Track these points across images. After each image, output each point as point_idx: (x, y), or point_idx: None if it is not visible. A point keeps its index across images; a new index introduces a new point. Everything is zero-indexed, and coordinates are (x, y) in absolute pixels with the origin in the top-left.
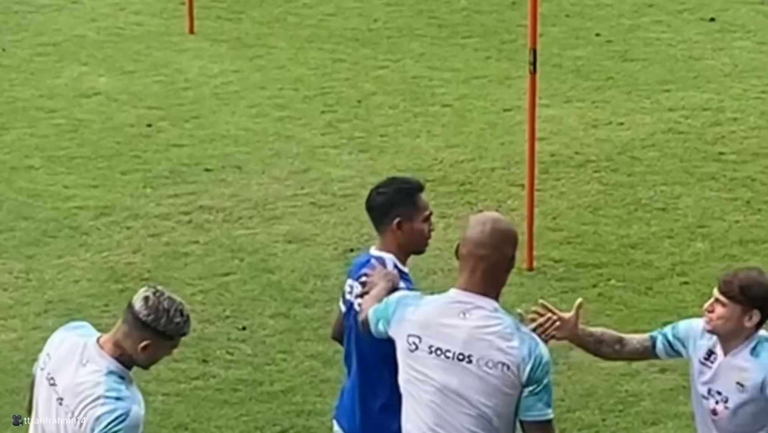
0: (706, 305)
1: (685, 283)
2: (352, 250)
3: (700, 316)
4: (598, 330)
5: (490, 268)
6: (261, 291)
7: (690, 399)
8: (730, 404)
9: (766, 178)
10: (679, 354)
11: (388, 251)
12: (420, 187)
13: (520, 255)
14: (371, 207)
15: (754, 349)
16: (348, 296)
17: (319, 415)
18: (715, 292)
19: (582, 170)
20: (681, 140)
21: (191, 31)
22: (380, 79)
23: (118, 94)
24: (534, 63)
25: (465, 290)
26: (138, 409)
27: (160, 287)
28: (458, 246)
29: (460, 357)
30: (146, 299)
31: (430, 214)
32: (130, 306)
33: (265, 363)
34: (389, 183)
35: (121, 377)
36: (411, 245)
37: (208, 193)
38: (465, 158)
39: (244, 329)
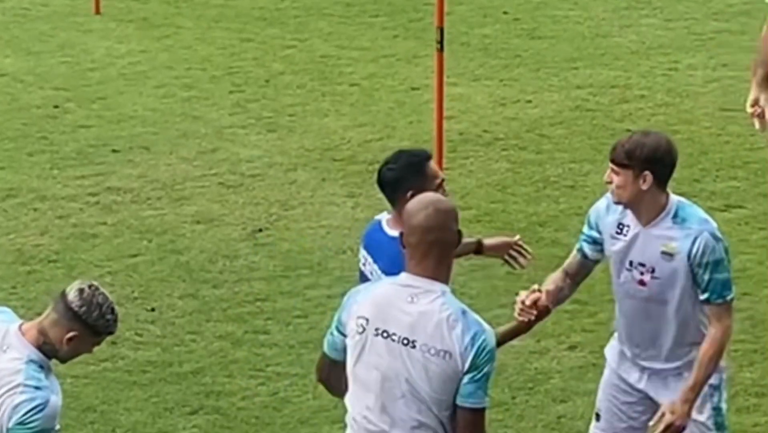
0: (605, 177)
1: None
2: (260, 230)
3: (609, 292)
4: (552, 286)
5: (442, 249)
6: (170, 272)
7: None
8: (658, 274)
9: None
10: (602, 244)
11: (402, 227)
12: (428, 157)
13: None
14: (383, 184)
15: (675, 216)
16: (362, 267)
17: (228, 396)
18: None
19: (490, 148)
20: (589, 118)
21: (97, 12)
22: (288, 59)
23: (24, 75)
24: (441, 41)
25: (416, 274)
26: (56, 399)
27: (95, 283)
28: (402, 236)
29: (405, 342)
30: (81, 291)
31: (442, 181)
32: (64, 295)
33: (174, 344)
34: (397, 158)
35: (41, 367)
36: None
37: (115, 175)
38: (373, 137)
39: (152, 310)
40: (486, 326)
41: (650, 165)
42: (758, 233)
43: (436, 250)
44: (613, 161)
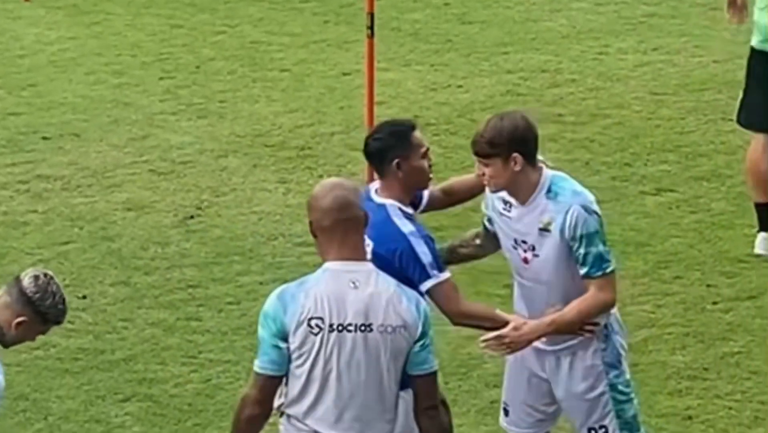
0: (476, 171)
1: None
2: (192, 216)
3: None
4: (464, 248)
5: (357, 227)
6: (101, 259)
7: None
8: (538, 251)
9: (605, 139)
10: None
11: (390, 197)
12: (413, 126)
13: None
14: (369, 154)
15: (549, 191)
16: None
17: (160, 383)
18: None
19: (423, 133)
20: (520, 102)
21: None
22: (218, 45)
23: None
24: (372, 27)
25: (345, 259)
26: (1, 379)
27: (50, 272)
28: (312, 225)
29: (362, 328)
30: (36, 277)
31: (427, 149)
32: (18, 280)
33: (105, 331)
34: (382, 128)
35: None
36: (414, 183)
37: (46, 162)
38: (304, 123)
39: (84, 297)
40: (416, 293)
41: (516, 146)
42: (689, 217)
43: (353, 229)
44: (477, 154)
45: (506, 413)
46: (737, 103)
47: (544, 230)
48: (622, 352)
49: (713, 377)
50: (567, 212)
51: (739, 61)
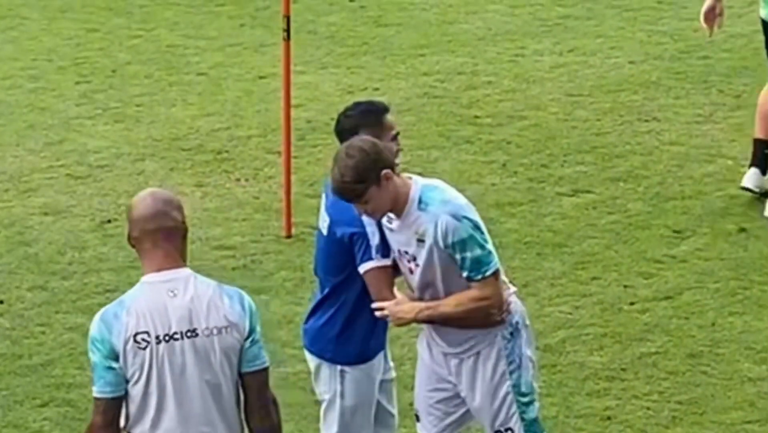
0: (358, 212)
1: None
2: (109, 221)
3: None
4: None
5: (169, 237)
6: (18, 264)
7: None
8: (419, 261)
9: (521, 141)
10: None
11: None
12: (386, 109)
13: (279, 223)
14: (341, 130)
15: (420, 201)
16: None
17: (79, 387)
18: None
19: None
20: (437, 104)
21: None
22: (134, 49)
23: None
24: (288, 30)
25: (160, 270)
26: None
27: None
28: (130, 236)
29: (188, 334)
30: None
31: (398, 133)
32: None
33: (23, 336)
34: (355, 106)
35: None
36: None
37: None
38: (221, 126)
39: (1, 302)
40: (241, 290)
41: (380, 165)
42: (606, 218)
43: (163, 238)
44: (352, 199)
45: (417, 418)
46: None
47: (420, 240)
48: (527, 353)
49: (631, 378)
50: (437, 223)
51: (654, 62)
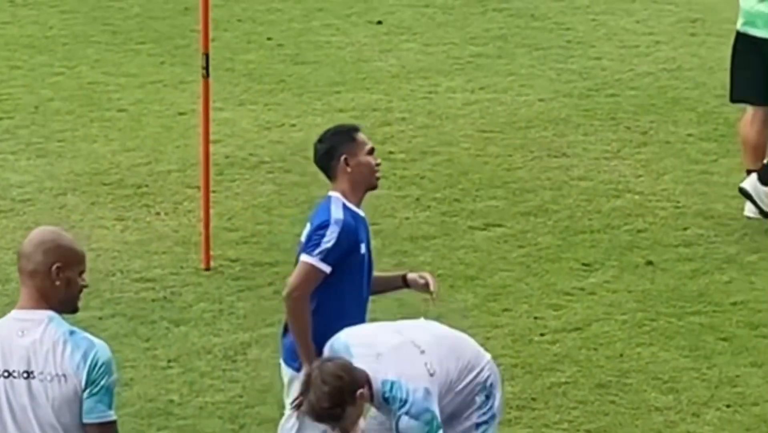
0: None
1: None
2: None
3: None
4: None
5: (32, 278)
6: None
7: None
8: None
9: (434, 176)
10: None
11: (339, 190)
12: (356, 128)
13: (198, 256)
14: (318, 158)
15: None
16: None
17: None
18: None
19: (256, 171)
20: None
21: None
22: (57, 86)
23: None
24: (207, 67)
25: (21, 308)
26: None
27: None
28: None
29: (25, 375)
30: None
31: (373, 148)
32: None
33: None
34: (326, 132)
35: None
36: (363, 179)
37: None
38: (141, 162)
39: None
40: (97, 341)
41: (351, 394)
42: (517, 251)
43: (26, 278)
44: (331, 424)
45: None
46: (728, 85)
47: None
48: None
49: (541, 407)
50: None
51: (563, 100)
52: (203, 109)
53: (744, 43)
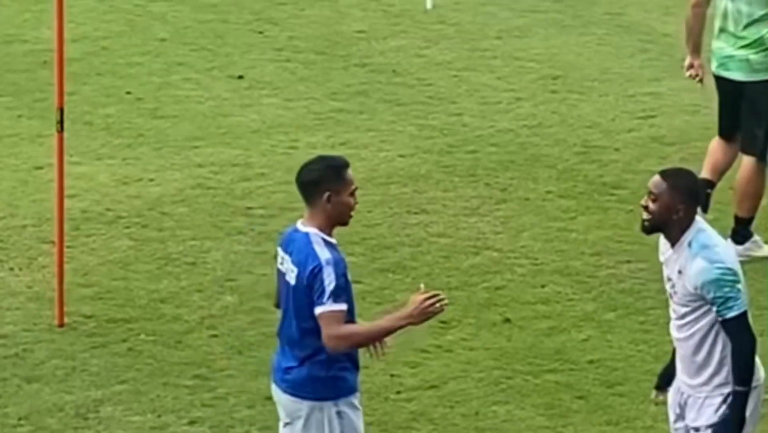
0: None
1: (214, 336)
2: None
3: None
4: None
5: None
6: None
7: None
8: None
9: None
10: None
11: (314, 225)
12: (347, 164)
13: (51, 312)
14: (303, 183)
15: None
16: (280, 266)
17: None
18: None
19: (113, 226)
20: (210, 195)
21: None
22: None
23: None
24: (61, 122)
25: None
26: None
27: None
28: None
29: None
30: None
31: (356, 188)
32: None
33: None
34: (319, 160)
35: None
36: (338, 217)
37: None
38: None
39: None
40: None
41: None
42: (375, 308)
43: None
44: None
45: None
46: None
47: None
48: None
49: None
50: None
51: (423, 156)
52: (58, 163)
53: (718, 84)
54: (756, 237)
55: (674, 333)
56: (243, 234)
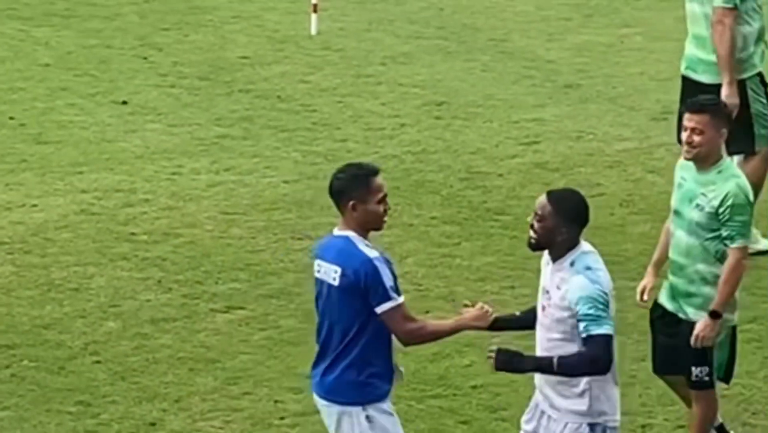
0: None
1: (98, 362)
2: None
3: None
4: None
5: None
6: None
7: None
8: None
9: (177, 258)
10: None
11: (350, 229)
12: (375, 171)
13: None
14: (331, 192)
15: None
16: (317, 275)
17: None
18: None
19: None
20: (94, 221)
21: None
22: None
23: None
24: None
25: None
26: None
27: None
28: None
29: None
30: None
31: (385, 195)
32: None
33: None
34: (346, 168)
35: None
36: (367, 224)
37: None
38: None
39: None
40: None
41: None
42: (259, 333)
43: None
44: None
45: None
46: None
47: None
48: None
49: None
50: None
51: (308, 182)
52: None
53: (685, 84)
54: (754, 230)
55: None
56: (126, 260)
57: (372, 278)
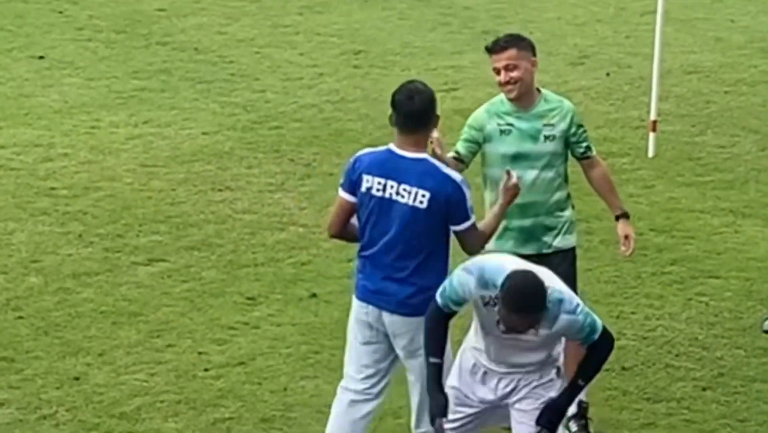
0: None
1: (20, 317)
2: None
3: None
4: None
5: None
6: None
7: None
8: None
9: (97, 212)
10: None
11: (422, 152)
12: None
13: None
14: (418, 110)
15: None
16: (377, 193)
17: None
18: None
19: None
20: (13, 177)
21: None
22: None
23: None
24: None
25: None
26: None
27: None
28: None
29: None
30: None
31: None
32: None
33: None
34: (420, 90)
35: None
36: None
37: None
38: None
39: None
40: None
41: None
42: (181, 286)
43: None
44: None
45: None
46: None
47: None
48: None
49: None
50: None
51: (227, 133)
52: None
53: None
54: None
55: None
56: (47, 214)
57: (461, 200)
